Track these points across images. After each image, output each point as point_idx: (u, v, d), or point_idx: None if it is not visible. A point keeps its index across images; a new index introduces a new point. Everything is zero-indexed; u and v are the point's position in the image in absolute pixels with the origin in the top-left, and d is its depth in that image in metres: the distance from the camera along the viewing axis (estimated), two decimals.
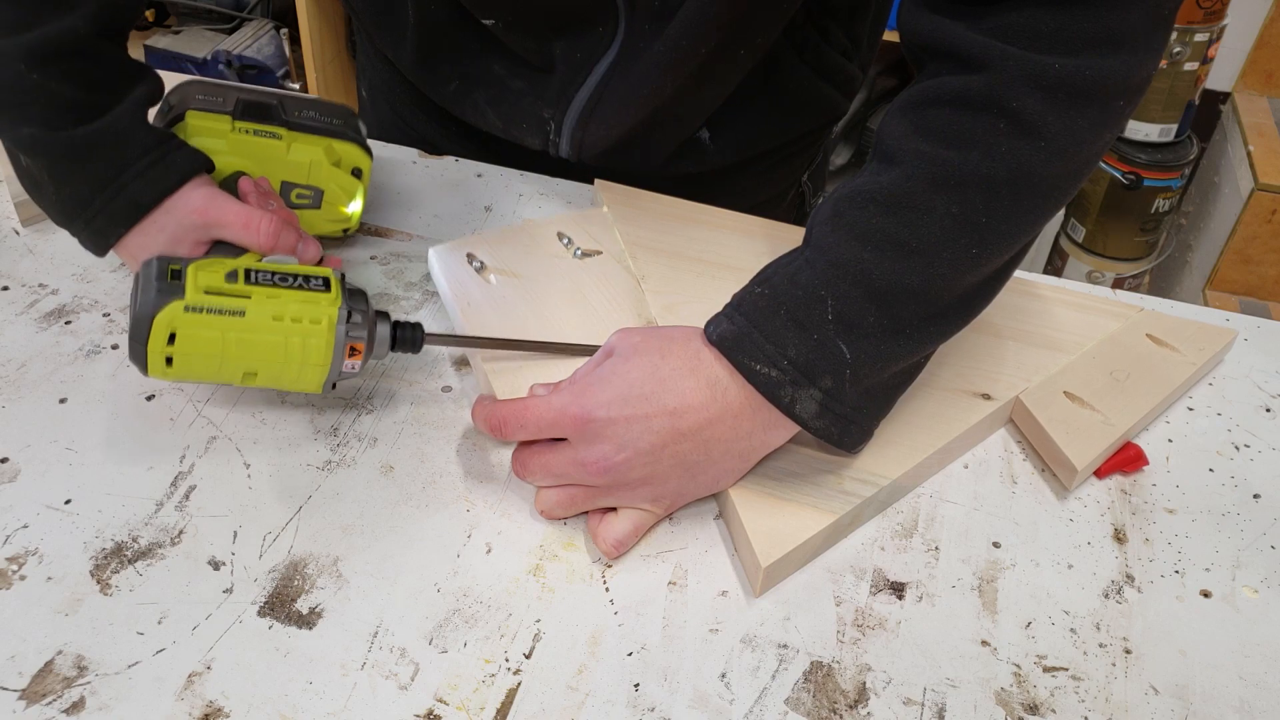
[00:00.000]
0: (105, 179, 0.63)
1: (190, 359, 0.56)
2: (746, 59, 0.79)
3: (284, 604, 0.54)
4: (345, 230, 0.75)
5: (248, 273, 0.57)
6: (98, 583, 0.54)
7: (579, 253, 0.74)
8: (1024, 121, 0.55)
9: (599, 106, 0.79)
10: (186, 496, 0.58)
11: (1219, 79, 2.03)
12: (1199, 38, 1.82)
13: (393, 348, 0.62)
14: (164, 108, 0.70)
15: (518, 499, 0.60)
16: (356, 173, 0.73)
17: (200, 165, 0.65)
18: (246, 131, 0.69)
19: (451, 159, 0.87)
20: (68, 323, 0.69)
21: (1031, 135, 0.55)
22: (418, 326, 0.62)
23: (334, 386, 0.62)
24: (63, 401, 0.63)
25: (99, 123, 0.63)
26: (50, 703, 0.49)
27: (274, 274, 0.58)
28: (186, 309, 0.55)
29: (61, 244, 0.75)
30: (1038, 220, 0.58)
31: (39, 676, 0.50)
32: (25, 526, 0.56)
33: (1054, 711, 0.52)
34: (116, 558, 0.55)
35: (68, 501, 0.58)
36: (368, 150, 0.74)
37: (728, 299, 0.71)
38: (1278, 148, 1.92)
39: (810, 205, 1.06)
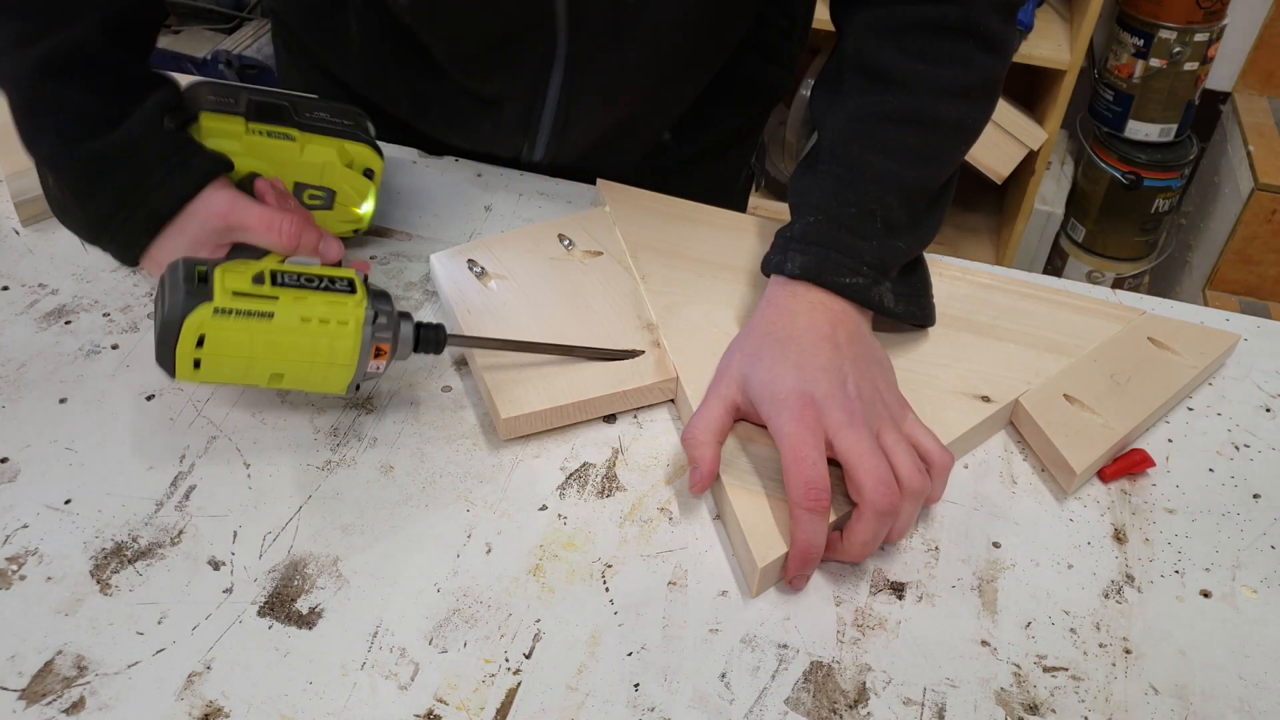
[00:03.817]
0: (126, 191, 0.63)
1: (218, 361, 0.57)
2: (718, 56, 0.81)
3: (284, 604, 0.54)
4: (356, 230, 0.75)
5: (274, 275, 0.58)
6: (98, 583, 0.54)
7: (580, 250, 0.74)
8: (990, 39, 0.67)
9: (569, 123, 0.81)
10: (186, 496, 0.58)
11: (1219, 79, 2.03)
12: (1199, 38, 1.82)
13: (416, 348, 0.62)
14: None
15: (518, 499, 0.60)
16: (369, 173, 0.73)
17: (220, 167, 0.66)
18: (260, 133, 0.69)
19: (451, 159, 0.87)
20: (68, 323, 0.69)
21: (994, 50, 0.67)
22: (440, 328, 0.62)
23: (358, 388, 0.62)
24: (63, 401, 0.63)
25: (116, 133, 0.63)
26: (50, 703, 0.49)
27: (300, 276, 0.58)
28: (215, 311, 0.56)
29: (61, 244, 0.75)
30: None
31: (39, 676, 0.50)
32: (25, 526, 0.56)
33: (1054, 711, 0.52)
34: (116, 558, 0.55)
35: (68, 501, 0.58)
36: (379, 151, 0.74)
37: (728, 299, 0.72)
38: (1278, 148, 1.92)
39: (758, 184, 1.08)
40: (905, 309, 0.66)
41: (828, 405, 0.57)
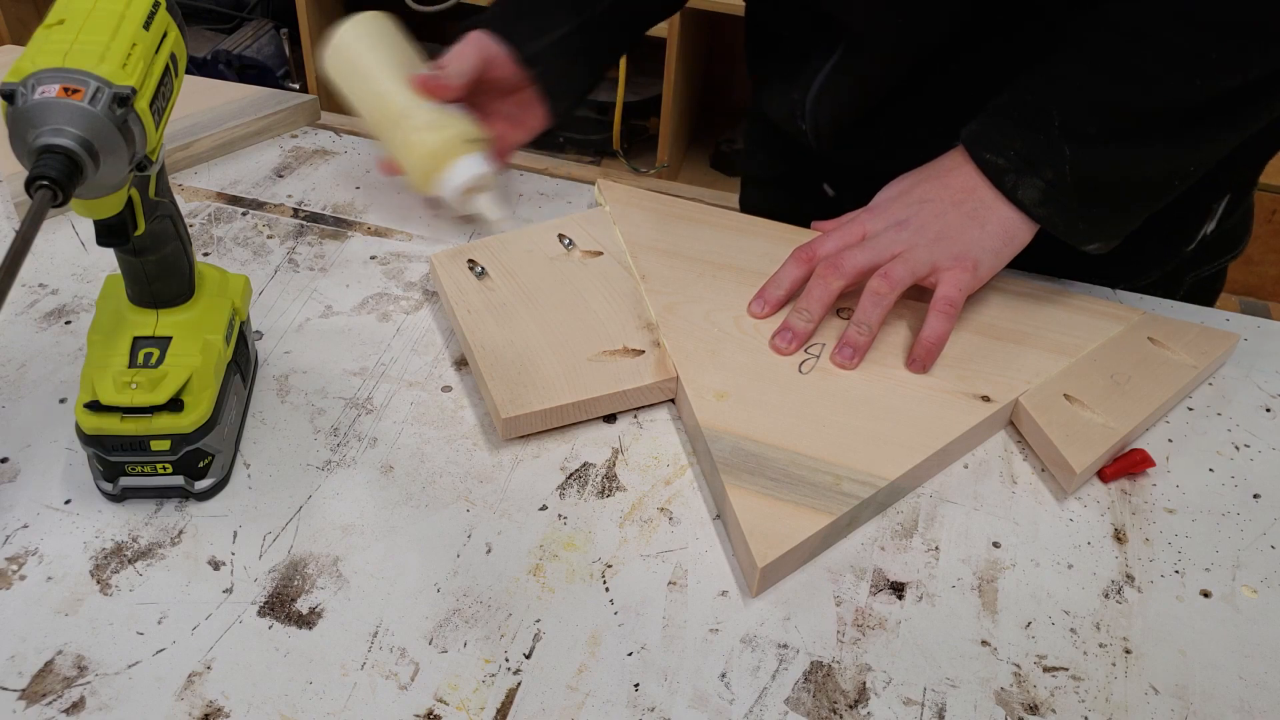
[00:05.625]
0: None
1: None
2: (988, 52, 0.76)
3: (284, 604, 0.54)
4: None
5: None
6: (98, 583, 0.54)
7: (580, 250, 0.74)
8: None
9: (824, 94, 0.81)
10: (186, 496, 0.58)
11: None
12: None
13: None
14: None
15: (518, 499, 0.60)
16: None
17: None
18: None
19: None
20: (68, 323, 0.69)
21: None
22: None
23: None
24: (63, 401, 0.63)
25: None
26: (50, 703, 0.49)
27: None
28: None
29: (61, 244, 0.75)
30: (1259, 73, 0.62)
31: (39, 676, 0.50)
32: (25, 526, 0.56)
33: (1054, 711, 0.52)
34: (116, 558, 0.55)
35: (68, 501, 0.58)
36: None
37: (728, 299, 0.72)
38: None
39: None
40: (1046, 213, 0.66)
41: (868, 215, 0.69)
